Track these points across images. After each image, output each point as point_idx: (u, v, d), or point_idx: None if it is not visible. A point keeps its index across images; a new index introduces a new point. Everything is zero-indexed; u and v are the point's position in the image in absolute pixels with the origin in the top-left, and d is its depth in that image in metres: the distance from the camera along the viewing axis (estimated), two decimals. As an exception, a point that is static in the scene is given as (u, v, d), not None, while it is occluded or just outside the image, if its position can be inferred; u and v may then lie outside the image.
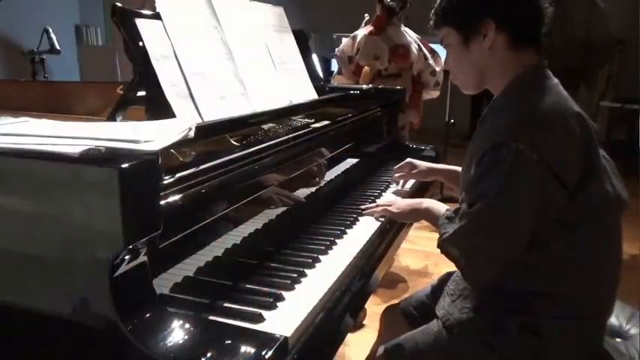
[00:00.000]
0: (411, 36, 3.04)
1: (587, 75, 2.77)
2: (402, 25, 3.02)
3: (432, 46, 3.24)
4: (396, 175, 1.68)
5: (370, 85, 2.15)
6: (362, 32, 3.01)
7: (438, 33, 1.22)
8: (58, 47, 3.37)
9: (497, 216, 1.04)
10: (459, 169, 1.53)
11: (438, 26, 1.21)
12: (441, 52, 3.40)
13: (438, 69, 3.11)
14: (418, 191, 1.71)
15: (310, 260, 1.08)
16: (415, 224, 1.56)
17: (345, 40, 3.07)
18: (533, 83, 1.12)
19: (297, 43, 1.73)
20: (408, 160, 1.68)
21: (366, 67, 2.97)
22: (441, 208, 1.24)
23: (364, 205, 1.45)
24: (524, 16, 1.13)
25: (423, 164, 1.67)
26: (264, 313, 0.87)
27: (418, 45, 3.05)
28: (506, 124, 1.06)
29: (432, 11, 1.21)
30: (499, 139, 1.03)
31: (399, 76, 2.99)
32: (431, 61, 3.08)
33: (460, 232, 1.08)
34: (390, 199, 1.59)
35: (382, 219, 1.37)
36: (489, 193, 1.03)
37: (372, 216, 1.37)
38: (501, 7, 1.12)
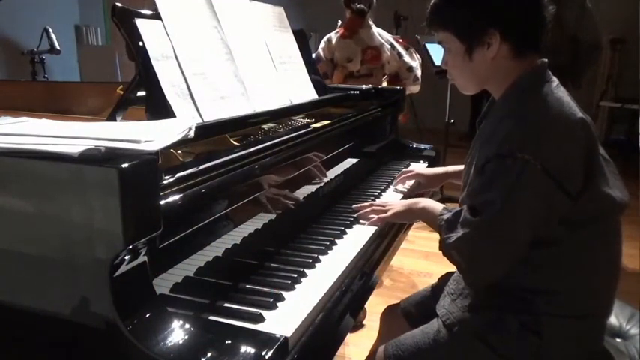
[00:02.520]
0: (383, 36, 3.07)
1: (574, 74, 2.82)
2: (374, 27, 3.04)
3: (429, 45, 3.25)
4: (400, 179, 1.67)
5: (370, 85, 2.15)
6: (335, 35, 3.04)
7: (435, 34, 1.19)
8: (58, 47, 3.38)
9: (501, 227, 1.04)
10: None
11: (436, 29, 1.18)
12: (438, 50, 3.42)
13: (414, 64, 3.12)
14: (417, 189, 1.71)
15: (310, 260, 1.09)
16: (415, 224, 1.56)
17: (321, 44, 3.09)
18: (534, 86, 1.11)
19: (297, 43, 1.73)
20: (416, 172, 1.67)
21: (336, 70, 3.03)
22: (437, 207, 1.23)
23: (370, 203, 1.43)
24: (530, 25, 1.11)
25: (431, 172, 1.64)
26: (264, 313, 0.87)
27: (391, 44, 3.07)
28: (511, 133, 1.04)
29: (428, 10, 1.17)
30: (504, 149, 1.02)
31: (370, 76, 3.02)
32: (406, 58, 3.10)
33: (464, 239, 1.07)
34: (386, 199, 1.58)
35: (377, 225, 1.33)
36: (495, 203, 1.03)
37: (366, 221, 1.34)
38: (508, 18, 1.09)
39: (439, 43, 1.21)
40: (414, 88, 3.20)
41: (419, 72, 3.15)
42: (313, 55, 1.88)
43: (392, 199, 1.58)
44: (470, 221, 1.07)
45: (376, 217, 1.34)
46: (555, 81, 1.13)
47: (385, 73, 3.09)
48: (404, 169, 1.72)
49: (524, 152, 1.00)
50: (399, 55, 3.08)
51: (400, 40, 3.16)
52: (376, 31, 3.04)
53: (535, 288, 1.11)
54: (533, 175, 1.00)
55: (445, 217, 1.16)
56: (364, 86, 2.12)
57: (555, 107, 1.07)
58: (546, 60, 1.15)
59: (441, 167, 1.69)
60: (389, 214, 1.34)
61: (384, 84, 3.06)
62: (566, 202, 1.03)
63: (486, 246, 1.06)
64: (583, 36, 2.83)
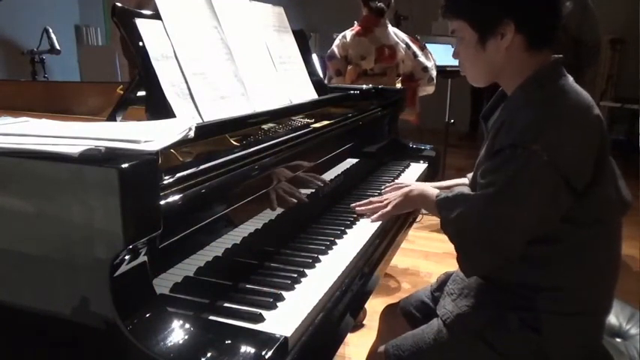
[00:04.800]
0: (399, 36, 3.06)
1: (576, 74, 2.84)
2: (390, 26, 3.03)
3: (429, 45, 3.26)
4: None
5: (370, 85, 2.15)
6: (350, 33, 3.03)
7: (449, 23, 1.18)
8: (58, 47, 3.38)
9: (497, 207, 1.05)
10: (465, 180, 1.51)
11: (450, 17, 1.17)
12: (439, 50, 3.42)
13: (429, 64, 3.12)
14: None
15: (310, 260, 1.09)
16: (415, 225, 1.56)
17: (336, 42, 3.08)
18: (553, 80, 1.11)
19: (297, 43, 1.73)
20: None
21: (349, 67, 2.99)
22: (433, 190, 1.27)
23: (369, 200, 1.43)
24: (545, 17, 1.11)
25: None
26: (264, 313, 0.87)
27: (406, 44, 3.06)
28: (528, 123, 1.05)
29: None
30: (519, 139, 1.03)
31: (383, 75, 3.01)
32: (421, 58, 3.09)
33: (461, 215, 1.09)
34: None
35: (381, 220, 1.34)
36: (495, 184, 1.04)
37: (368, 217, 1.35)
38: (523, 8, 1.09)
39: (452, 32, 1.19)
40: (429, 89, 3.20)
41: (434, 73, 3.14)
42: (315, 54, 1.87)
43: (384, 196, 1.57)
44: (468, 197, 1.10)
45: (379, 213, 1.35)
46: (570, 77, 1.13)
47: (399, 73, 3.08)
48: (402, 179, 1.70)
49: (535, 143, 1.00)
50: (415, 55, 3.07)
51: (414, 40, 3.15)
52: (392, 30, 3.03)
53: (535, 285, 1.11)
54: (538, 165, 1.00)
55: (442, 195, 1.18)
56: (364, 86, 2.12)
57: (575, 101, 1.08)
58: (562, 56, 1.14)
59: (435, 182, 1.63)
60: (389, 207, 1.35)
61: (398, 84, 3.04)
62: (570, 198, 1.03)
63: (480, 224, 1.07)
64: (584, 37, 2.84)
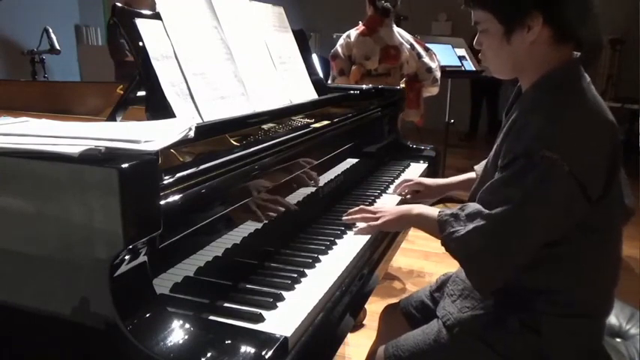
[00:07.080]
0: (403, 36, 3.05)
1: None
2: (394, 26, 3.02)
3: (429, 45, 3.25)
4: (400, 188, 1.61)
5: (370, 85, 2.15)
6: (354, 32, 3.01)
7: (472, 12, 1.13)
8: (58, 47, 3.38)
9: (517, 223, 1.01)
10: (472, 175, 1.49)
11: (474, 7, 1.11)
12: (438, 50, 3.41)
13: (433, 66, 3.11)
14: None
15: (310, 260, 1.09)
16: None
17: (340, 41, 3.06)
18: (567, 82, 1.08)
19: (297, 43, 1.73)
20: (417, 180, 1.61)
21: (354, 66, 2.98)
22: (434, 210, 1.18)
23: (360, 207, 1.35)
24: (574, 11, 1.07)
25: (433, 182, 1.60)
26: (264, 313, 0.87)
27: (411, 44, 3.05)
28: (542, 130, 1.01)
29: None
30: (533, 147, 0.99)
31: (388, 76, 3.00)
32: (425, 59, 3.09)
33: (475, 232, 1.03)
34: (384, 201, 1.56)
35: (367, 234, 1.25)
36: (514, 199, 1.00)
37: (356, 228, 1.26)
38: (553, 1, 1.05)
39: (475, 23, 1.14)
40: (433, 90, 3.19)
41: (438, 74, 3.13)
42: (315, 54, 1.87)
43: (389, 202, 1.56)
44: (485, 214, 1.03)
45: (366, 225, 1.27)
46: (588, 78, 1.10)
47: (403, 74, 3.07)
48: (404, 178, 1.68)
49: (553, 151, 0.97)
50: (419, 56, 3.06)
51: (418, 41, 3.14)
52: (396, 30, 3.01)
53: (535, 287, 1.11)
54: (558, 175, 0.98)
55: (448, 211, 1.12)
56: (364, 86, 2.12)
57: (589, 107, 1.05)
58: (580, 54, 1.11)
59: (444, 178, 1.63)
60: (380, 222, 1.25)
61: (402, 85, 3.03)
62: (585, 207, 1.01)
63: (498, 241, 1.03)
64: (587, 37, 2.84)
